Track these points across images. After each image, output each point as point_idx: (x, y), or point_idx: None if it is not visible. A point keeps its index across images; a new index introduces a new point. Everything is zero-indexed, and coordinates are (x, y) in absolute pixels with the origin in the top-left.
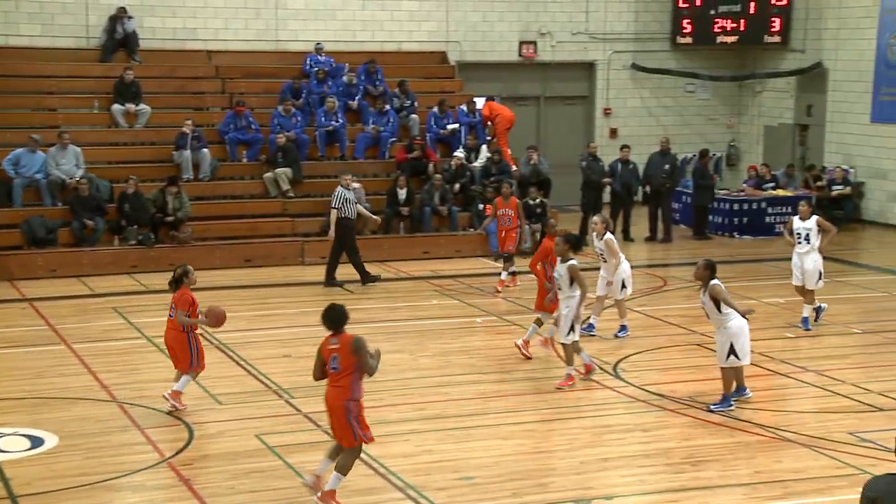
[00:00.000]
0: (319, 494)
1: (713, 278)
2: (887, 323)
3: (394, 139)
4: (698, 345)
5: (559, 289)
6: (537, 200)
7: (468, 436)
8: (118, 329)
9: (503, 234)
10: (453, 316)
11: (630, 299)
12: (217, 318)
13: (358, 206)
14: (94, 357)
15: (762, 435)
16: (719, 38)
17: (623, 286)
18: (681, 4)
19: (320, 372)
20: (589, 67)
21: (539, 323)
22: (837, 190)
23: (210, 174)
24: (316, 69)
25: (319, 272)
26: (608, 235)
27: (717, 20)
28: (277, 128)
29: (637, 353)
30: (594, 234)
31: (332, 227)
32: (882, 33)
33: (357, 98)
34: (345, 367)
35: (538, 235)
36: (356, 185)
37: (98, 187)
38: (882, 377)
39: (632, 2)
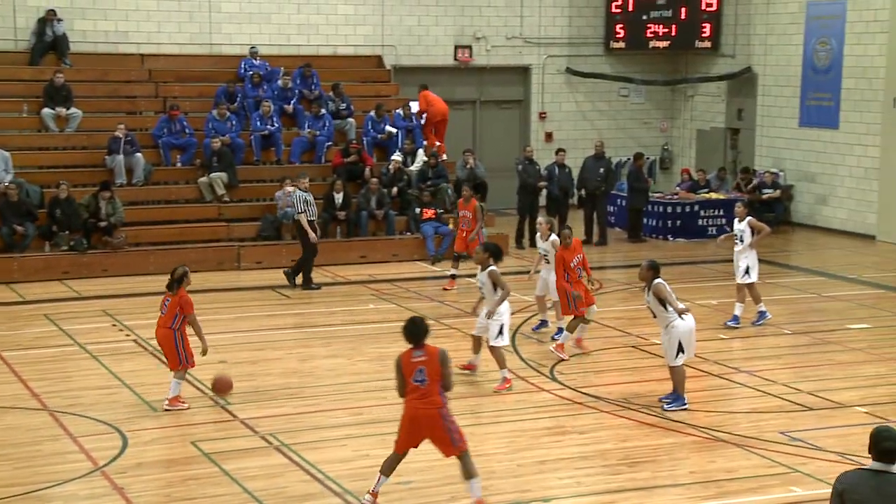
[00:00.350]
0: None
1: (657, 278)
2: (817, 324)
3: (330, 143)
4: (634, 346)
5: (483, 297)
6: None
7: None
8: (50, 336)
9: (464, 235)
10: (390, 320)
11: None
12: (224, 387)
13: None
14: (25, 365)
15: (696, 435)
16: (652, 43)
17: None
18: (614, 10)
19: (404, 387)
20: (524, 72)
21: (585, 321)
22: (768, 193)
23: (144, 179)
24: (251, 73)
25: (256, 277)
26: (553, 237)
27: (649, 25)
28: (212, 132)
29: (574, 356)
30: (539, 235)
31: (310, 231)
32: (808, 39)
33: (292, 102)
34: (432, 378)
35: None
36: (291, 188)
37: (28, 192)
38: (812, 377)
39: (566, 7)
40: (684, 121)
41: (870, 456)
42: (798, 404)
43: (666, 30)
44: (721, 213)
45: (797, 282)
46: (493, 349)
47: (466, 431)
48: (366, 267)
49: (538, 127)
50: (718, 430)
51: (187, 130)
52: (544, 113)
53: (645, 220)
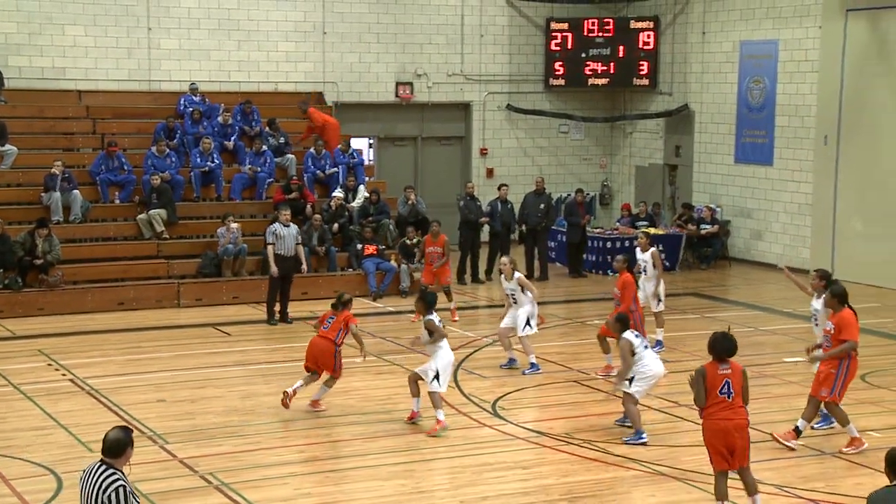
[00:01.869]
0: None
1: (625, 330)
2: (754, 357)
3: (271, 180)
4: (576, 381)
5: (425, 343)
6: (415, 240)
7: (347, 477)
8: None
9: (436, 271)
10: None
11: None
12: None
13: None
14: None
15: (638, 470)
16: (591, 81)
17: (527, 323)
18: (553, 48)
19: (705, 398)
20: (465, 108)
21: None
22: (706, 228)
23: (81, 216)
24: (191, 109)
25: (196, 314)
26: (517, 275)
27: (588, 63)
28: (151, 169)
29: (516, 391)
30: (502, 276)
31: (273, 264)
32: (743, 78)
33: (233, 138)
34: (737, 391)
35: (414, 276)
36: (234, 225)
37: None
38: (750, 410)
39: (506, 44)
40: (623, 157)
41: (889, 476)
42: None
43: (604, 67)
44: (660, 247)
45: (734, 316)
46: (430, 393)
47: (408, 468)
48: (307, 303)
49: (479, 163)
50: (660, 465)
51: (126, 167)
52: (485, 149)
53: (585, 256)
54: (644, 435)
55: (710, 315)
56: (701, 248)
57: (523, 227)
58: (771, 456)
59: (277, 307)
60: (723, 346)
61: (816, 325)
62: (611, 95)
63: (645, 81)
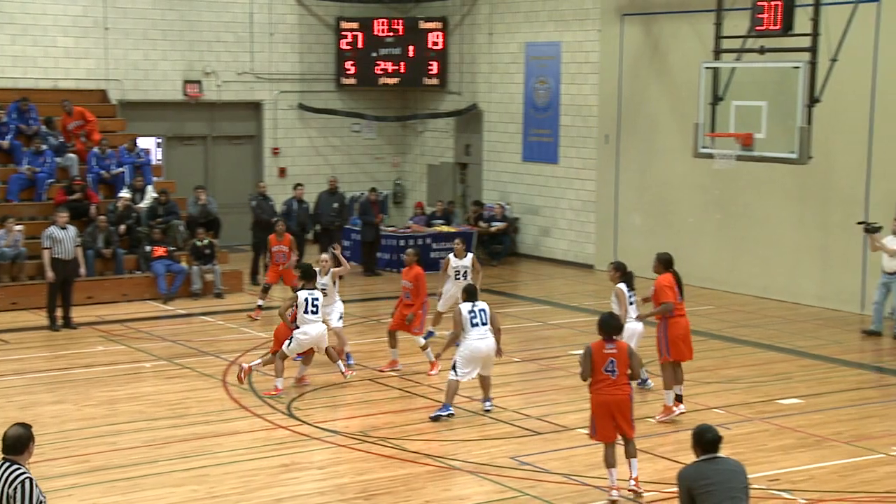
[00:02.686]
0: (634, 484)
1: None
2: (543, 351)
3: (52, 180)
4: (371, 380)
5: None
6: (206, 241)
7: (136, 486)
8: None
9: (282, 271)
10: (120, 362)
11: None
12: None
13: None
14: None
15: (432, 465)
16: (381, 80)
17: (340, 317)
18: (344, 47)
19: (591, 373)
20: (256, 107)
21: None
22: (496, 225)
23: None
24: None
25: None
26: (332, 270)
27: (378, 62)
28: None
29: (311, 391)
30: (320, 270)
31: (49, 269)
32: (528, 78)
33: (8, 138)
34: (621, 370)
35: (206, 277)
36: (18, 227)
37: None
38: (539, 402)
39: (296, 43)
40: (415, 156)
41: (696, 451)
42: (527, 429)
43: (395, 67)
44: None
45: (524, 311)
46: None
47: (201, 473)
48: (93, 308)
49: (271, 162)
50: (453, 459)
51: None
52: (277, 149)
53: (379, 254)
54: (450, 408)
55: (501, 311)
56: (492, 244)
57: (317, 227)
58: (562, 446)
59: (60, 312)
60: (609, 326)
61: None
62: (402, 95)
63: (435, 81)
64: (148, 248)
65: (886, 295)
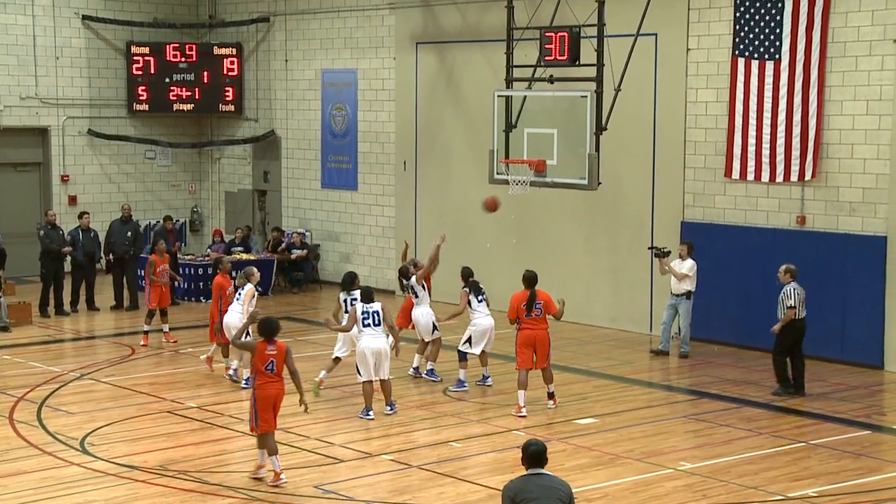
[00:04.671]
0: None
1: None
2: (346, 377)
3: None
4: (169, 412)
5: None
6: None
7: None
8: None
9: (162, 290)
10: None
11: (99, 370)
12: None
13: None
14: None
15: (233, 497)
16: (176, 106)
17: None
18: (135, 72)
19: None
20: (42, 133)
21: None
22: (296, 253)
23: None
24: None
25: None
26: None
27: (172, 88)
28: None
29: (106, 426)
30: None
31: None
32: (325, 105)
33: None
34: (279, 368)
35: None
36: None
37: None
38: (342, 430)
39: (84, 67)
40: (213, 183)
41: (525, 465)
42: (330, 457)
43: (189, 93)
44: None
45: (325, 338)
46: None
47: None
48: None
49: (61, 190)
50: (257, 490)
51: None
52: (66, 176)
53: (176, 284)
54: (371, 411)
55: (302, 338)
56: (292, 272)
57: (110, 256)
58: (366, 472)
59: None
60: (267, 328)
61: None
62: (197, 121)
63: (231, 107)
64: None
65: (674, 316)
